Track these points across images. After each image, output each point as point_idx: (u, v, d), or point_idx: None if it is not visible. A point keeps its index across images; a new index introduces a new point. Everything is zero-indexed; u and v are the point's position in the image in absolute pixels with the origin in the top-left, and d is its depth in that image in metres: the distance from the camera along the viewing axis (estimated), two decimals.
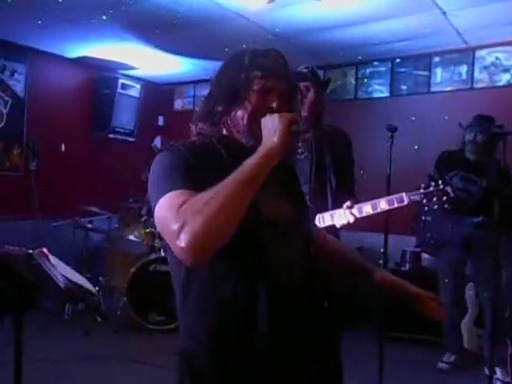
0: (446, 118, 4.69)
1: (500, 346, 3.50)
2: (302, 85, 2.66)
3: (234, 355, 1.21)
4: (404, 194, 2.35)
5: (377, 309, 2.87)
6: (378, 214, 2.45)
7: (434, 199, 2.30)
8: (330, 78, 2.99)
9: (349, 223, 2.45)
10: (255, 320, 1.20)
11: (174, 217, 1.09)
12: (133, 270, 4.56)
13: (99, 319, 4.31)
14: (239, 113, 1.29)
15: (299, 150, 2.68)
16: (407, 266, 4.65)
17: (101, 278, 4.91)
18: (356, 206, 2.44)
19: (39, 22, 4.43)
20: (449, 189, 2.29)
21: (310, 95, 2.70)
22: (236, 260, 1.21)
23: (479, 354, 3.89)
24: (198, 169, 1.22)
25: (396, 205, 2.37)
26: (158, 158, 1.28)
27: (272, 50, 1.35)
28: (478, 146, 3.72)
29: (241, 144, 1.29)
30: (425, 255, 4.54)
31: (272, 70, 1.29)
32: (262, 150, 1.16)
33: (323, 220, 2.55)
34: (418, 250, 4.47)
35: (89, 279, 4.80)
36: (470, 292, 4.08)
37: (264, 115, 1.23)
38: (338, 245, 1.63)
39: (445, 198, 2.29)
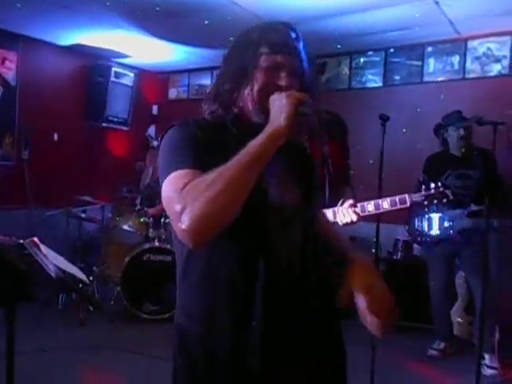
0: (438, 108, 4.70)
1: (489, 333, 3.57)
2: None
3: (227, 338, 1.20)
4: (407, 196, 2.42)
5: None
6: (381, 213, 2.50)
7: (435, 201, 2.41)
8: (326, 62, 2.96)
9: (352, 222, 2.46)
10: (251, 304, 1.19)
11: (177, 198, 1.09)
12: (127, 259, 4.55)
13: (92, 309, 4.31)
14: (248, 91, 1.25)
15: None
16: (399, 254, 4.71)
17: (95, 268, 4.90)
18: (359, 205, 2.47)
19: (31, 9, 4.36)
20: (448, 192, 2.39)
21: None
22: (237, 243, 1.20)
23: (469, 341, 3.99)
24: (206, 146, 1.19)
25: (399, 206, 2.44)
26: (168, 134, 1.27)
27: (281, 24, 1.30)
28: (465, 140, 3.80)
29: (252, 123, 1.26)
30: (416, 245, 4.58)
31: (280, 44, 1.24)
32: (267, 129, 1.14)
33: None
34: (410, 239, 4.50)
35: (83, 269, 4.88)
36: (460, 280, 4.13)
37: (272, 91, 1.21)
38: (333, 235, 1.54)
39: (445, 200, 2.40)
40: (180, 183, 1.11)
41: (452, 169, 3.80)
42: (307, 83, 1.29)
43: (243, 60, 1.25)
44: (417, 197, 2.41)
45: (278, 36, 1.26)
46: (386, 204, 2.44)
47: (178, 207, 1.08)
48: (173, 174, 1.15)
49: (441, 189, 2.40)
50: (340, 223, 2.51)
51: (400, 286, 4.29)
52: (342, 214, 2.48)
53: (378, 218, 2.73)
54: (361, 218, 2.47)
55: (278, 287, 1.21)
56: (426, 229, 3.92)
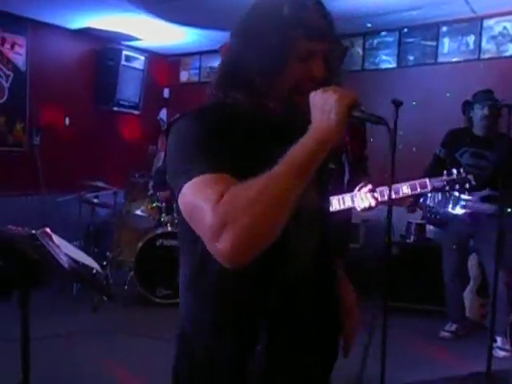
0: (449, 94, 4.64)
1: (502, 316, 3.57)
2: None
3: (232, 356, 1.12)
4: (427, 180, 2.36)
5: (380, 279, 2.91)
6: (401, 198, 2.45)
7: (457, 186, 2.34)
8: (348, 47, 2.89)
9: (370, 207, 2.42)
10: (258, 326, 1.10)
11: (212, 210, 0.92)
12: (140, 244, 4.57)
13: (105, 298, 4.34)
14: (278, 82, 1.07)
15: None
16: (412, 237, 4.68)
17: (108, 253, 4.91)
18: (378, 190, 2.43)
19: None
20: (471, 177, 2.33)
21: None
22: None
23: (481, 323, 4.03)
24: (230, 144, 1.03)
25: (419, 190, 2.38)
26: (182, 125, 1.08)
27: (313, 2, 1.09)
28: (489, 120, 3.73)
29: (279, 118, 1.11)
30: (429, 227, 4.56)
31: (316, 28, 1.06)
32: (314, 133, 0.98)
33: (343, 202, 2.54)
34: (423, 221, 4.50)
35: (96, 254, 4.90)
36: (472, 262, 4.13)
37: (308, 86, 1.05)
38: None
39: (467, 186, 2.34)
40: (213, 192, 0.94)
41: (470, 146, 3.78)
42: (338, 69, 1.14)
43: (272, 42, 1.04)
44: (438, 181, 2.35)
45: (312, 16, 1.06)
46: (405, 188, 2.39)
47: (214, 222, 0.92)
48: (199, 179, 0.97)
49: (463, 174, 2.34)
50: (358, 208, 2.49)
51: (413, 269, 4.43)
52: (361, 198, 2.45)
53: (391, 200, 2.70)
54: (379, 204, 2.43)
55: (290, 308, 1.13)
56: (437, 206, 3.92)
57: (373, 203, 2.41)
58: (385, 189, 2.41)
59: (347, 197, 2.53)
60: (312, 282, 1.17)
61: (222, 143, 1.02)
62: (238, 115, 1.09)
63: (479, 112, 3.75)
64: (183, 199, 1.01)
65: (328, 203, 1.33)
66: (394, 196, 2.40)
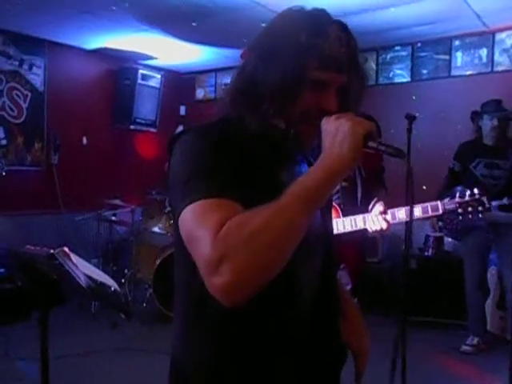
0: (466, 103, 4.63)
1: None
2: None
3: None
4: (439, 203, 2.33)
5: (401, 294, 2.87)
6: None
7: (470, 209, 2.28)
8: (367, 59, 2.87)
9: (382, 230, 2.39)
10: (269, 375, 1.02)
11: (212, 241, 0.84)
12: (158, 261, 4.56)
13: (123, 316, 4.34)
14: (287, 108, 1.02)
15: None
16: (430, 250, 4.67)
17: (126, 271, 4.93)
18: (390, 212, 2.41)
19: (55, 15, 4.39)
20: (485, 199, 2.26)
21: None
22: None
23: (502, 336, 4.01)
24: (235, 166, 0.96)
25: (430, 213, 2.35)
26: (187, 140, 1.01)
27: (334, 24, 1.01)
28: (498, 130, 3.79)
29: (284, 144, 1.05)
30: (448, 239, 4.56)
31: (332, 58, 0.99)
32: (326, 164, 0.92)
33: (355, 224, 2.51)
34: (441, 234, 4.52)
35: (114, 272, 4.91)
36: (492, 273, 4.15)
37: (315, 115, 1.00)
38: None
39: (480, 208, 2.27)
40: (212, 221, 0.86)
41: (482, 157, 3.83)
42: (354, 102, 1.06)
43: (286, 68, 0.98)
44: (450, 204, 2.30)
45: (333, 47, 0.99)
46: (417, 211, 2.36)
47: (212, 254, 0.84)
48: (198, 204, 0.90)
49: (477, 196, 2.27)
50: (370, 230, 2.46)
51: (432, 283, 4.42)
52: (372, 221, 2.43)
53: (410, 213, 2.66)
54: (391, 226, 2.40)
55: (295, 337, 1.05)
56: (456, 218, 3.89)
57: (384, 226, 2.38)
58: (397, 211, 2.39)
59: (359, 218, 2.51)
60: (316, 306, 1.08)
61: (225, 165, 0.96)
62: (243, 135, 1.03)
63: (489, 123, 3.81)
64: (182, 225, 0.93)
65: (331, 224, 1.24)
66: (405, 219, 2.36)
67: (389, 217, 2.38)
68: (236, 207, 0.89)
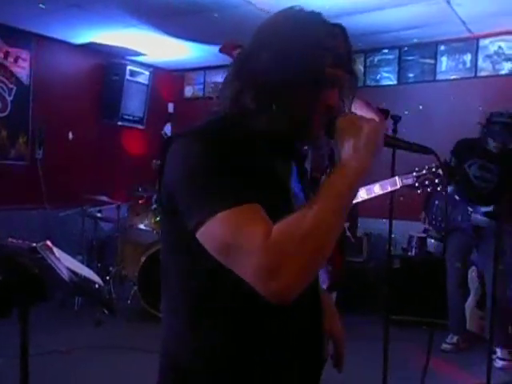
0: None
1: (501, 328, 3.74)
2: None
3: None
4: (397, 178, 2.33)
5: (383, 293, 2.91)
6: (374, 198, 2.41)
7: (427, 182, 2.27)
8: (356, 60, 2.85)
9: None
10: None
11: (262, 248, 0.87)
12: (143, 258, 4.53)
13: (106, 312, 4.32)
14: (298, 105, 1.02)
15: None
16: (413, 251, 4.77)
17: (111, 268, 4.89)
18: (364, 188, 2.39)
19: (42, 7, 4.33)
20: (440, 171, 2.24)
21: None
22: None
23: (481, 336, 4.10)
24: (242, 170, 0.95)
25: (389, 188, 2.34)
26: (188, 146, 0.99)
27: (339, 28, 1.07)
28: (501, 147, 3.81)
29: (289, 144, 1.09)
30: (431, 240, 4.66)
31: (342, 58, 1.04)
32: (355, 165, 0.96)
33: None
34: (424, 235, 4.66)
35: (99, 269, 4.87)
36: (472, 274, 4.22)
37: (324, 111, 1.03)
38: None
39: (437, 181, 2.26)
40: (255, 228, 0.89)
41: (478, 158, 3.88)
42: (346, 99, 1.11)
43: (307, 66, 0.99)
44: (408, 178, 2.29)
45: (340, 45, 1.04)
46: (377, 188, 2.35)
47: (267, 262, 0.87)
48: (227, 213, 0.90)
49: (433, 169, 2.25)
50: None
51: (414, 283, 4.50)
52: None
53: (391, 214, 2.68)
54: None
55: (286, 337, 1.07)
56: (441, 215, 4.02)
57: (359, 198, 2.35)
58: (365, 189, 2.37)
59: None
60: (307, 300, 1.10)
61: (235, 167, 0.95)
62: (244, 134, 1.02)
63: (493, 144, 3.82)
64: (211, 235, 0.92)
65: None
66: (367, 196, 2.36)
67: (363, 192, 2.36)
68: (262, 209, 0.92)
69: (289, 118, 1.03)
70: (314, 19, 1.05)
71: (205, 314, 1.04)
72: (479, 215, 3.83)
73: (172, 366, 1.11)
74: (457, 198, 3.94)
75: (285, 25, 1.06)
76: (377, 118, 1.05)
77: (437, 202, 4.06)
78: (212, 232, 0.92)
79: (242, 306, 1.00)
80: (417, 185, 2.28)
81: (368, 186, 2.36)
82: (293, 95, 1.02)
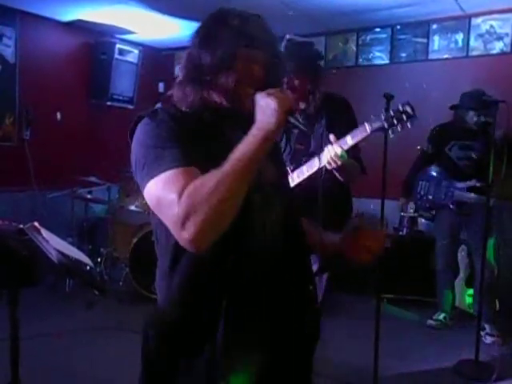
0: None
1: (489, 305, 3.87)
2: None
3: (203, 327, 1.23)
4: (366, 123, 2.29)
5: (375, 272, 2.94)
6: (352, 148, 2.38)
7: (395, 121, 2.23)
8: (312, 54, 2.76)
9: (337, 155, 2.30)
10: (227, 286, 1.22)
11: (177, 202, 1.09)
12: (134, 240, 4.51)
13: (97, 293, 4.31)
14: (225, 80, 1.26)
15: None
16: (405, 230, 4.84)
17: (102, 249, 4.87)
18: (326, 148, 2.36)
19: None
20: (408, 108, 2.23)
21: (283, 85, 2.61)
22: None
23: (469, 313, 4.18)
24: (186, 139, 1.20)
25: (360, 136, 2.31)
26: (143, 128, 1.24)
27: (257, 17, 1.33)
28: (482, 124, 3.86)
29: (226, 112, 1.29)
30: (422, 220, 4.73)
31: (259, 38, 1.28)
32: (259, 133, 1.16)
33: (302, 172, 2.49)
34: (416, 215, 4.71)
35: (90, 251, 4.83)
36: (462, 254, 4.28)
37: (250, 85, 1.25)
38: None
39: (404, 117, 2.23)
40: (177, 185, 1.11)
41: (456, 139, 3.94)
42: (279, 75, 1.36)
43: (222, 48, 1.26)
44: (376, 120, 2.26)
45: (256, 29, 1.29)
46: (349, 139, 2.32)
47: (180, 212, 1.08)
48: (164, 174, 1.13)
49: (400, 108, 2.22)
50: (327, 165, 2.37)
51: (406, 261, 4.62)
52: (326, 155, 2.34)
53: (383, 194, 2.67)
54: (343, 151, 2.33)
55: (257, 264, 1.23)
56: (425, 193, 4.11)
57: (338, 150, 2.31)
58: (344, 139, 2.34)
59: (304, 166, 2.49)
60: (280, 255, 1.28)
61: (175, 139, 1.18)
62: (188, 114, 1.28)
63: (475, 118, 3.86)
64: (149, 195, 1.16)
65: (287, 178, 1.49)
66: (343, 148, 2.31)
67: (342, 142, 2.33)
68: (193, 171, 1.13)
69: (222, 93, 1.27)
70: (232, 13, 1.31)
71: (175, 269, 1.25)
72: (464, 191, 3.90)
73: (157, 315, 1.35)
74: (443, 181, 4.00)
75: (209, 19, 1.35)
76: (287, 95, 1.20)
77: (421, 182, 4.14)
78: (149, 192, 1.16)
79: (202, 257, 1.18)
80: (386, 126, 2.24)
81: (341, 140, 2.33)
82: (218, 74, 1.26)
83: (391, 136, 2.30)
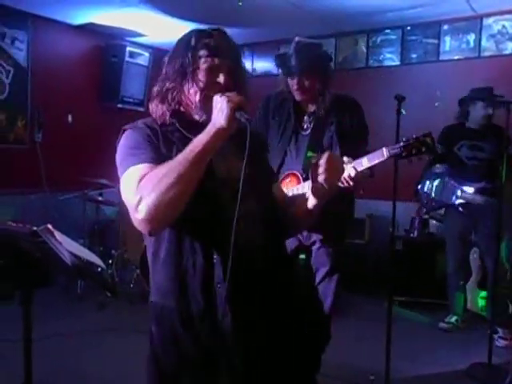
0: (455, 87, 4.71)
1: (502, 308, 3.84)
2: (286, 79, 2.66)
3: (197, 302, 1.36)
4: (384, 149, 2.28)
5: (385, 274, 2.93)
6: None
7: (413, 151, 2.21)
8: (322, 54, 2.76)
9: (350, 177, 2.30)
10: (213, 271, 1.35)
11: (134, 191, 1.26)
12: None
13: (109, 294, 4.32)
14: (191, 90, 1.42)
15: (304, 126, 2.62)
16: (415, 232, 4.78)
17: (113, 251, 4.88)
18: (354, 162, 2.33)
19: None
20: (428, 139, 2.21)
21: (294, 84, 2.64)
22: (194, 219, 1.34)
23: (482, 316, 4.13)
24: (156, 144, 1.38)
25: (377, 160, 2.30)
26: (122, 137, 1.44)
27: (217, 30, 1.45)
28: (490, 118, 3.86)
29: (195, 120, 1.42)
30: (433, 221, 4.75)
31: (217, 48, 1.40)
32: (210, 129, 1.28)
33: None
34: (427, 216, 4.72)
35: (101, 253, 4.84)
36: (474, 256, 4.22)
37: (215, 92, 1.35)
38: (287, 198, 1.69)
39: (423, 149, 2.20)
40: (136, 177, 1.27)
41: (466, 139, 3.93)
42: (241, 81, 1.46)
43: (183, 63, 1.41)
44: (395, 148, 2.25)
45: (213, 40, 1.41)
46: (365, 162, 2.31)
47: (134, 199, 1.24)
48: (128, 170, 1.32)
49: (420, 138, 2.20)
50: (340, 184, 2.38)
51: (416, 263, 4.60)
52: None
53: (394, 196, 2.65)
54: (359, 174, 2.30)
55: (240, 252, 1.30)
56: (434, 194, 4.08)
57: (352, 173, 2.31)
58: (360, 160, 2.33)
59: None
60: (259, 244, 1.40)
61: (148, 145, 1.38)
62: (162, 123, 1.45)
63: (483, 110, 3.86)
64: (121, 190, 1.35)
65: (266, 178, 1.57)
66: (354, 172, 2.30)
67: (354, 164, 2.30)
68: (152, 166, 1.30)
69: (190, 103, 1.43)
70: (192, 31, 1.47)
71: (155, 258, 1.44)
72: (472, 192, 3.87)
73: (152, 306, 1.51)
74: (450, 180, 3.98)
75: (177, 41, 1.52)
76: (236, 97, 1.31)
77: (427, 183, 4.12)
78: (120, 185, 1.35)
79: (176, 249, 1.38)
80: (404, 154, 2.23)
81: (356, 161, 2.33)
82: (181, 84, 1.43)
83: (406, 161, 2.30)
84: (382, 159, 2.28)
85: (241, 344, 1.36)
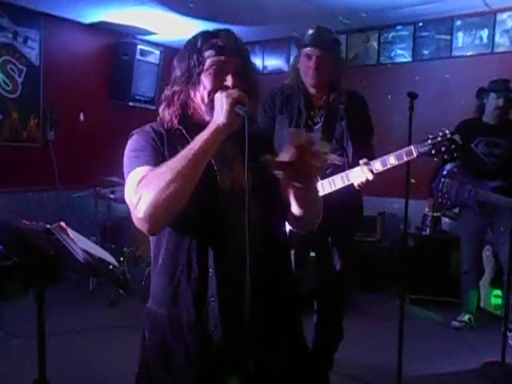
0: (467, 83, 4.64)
1: None
2: (304, 51, 2.61)
3: (189, 314, 1.34)
4: (413, 147, 2.27)
5: (398, 272, 2.90)
6: (390, 169, 2.37)
7: (443, 149, 2.21)
8: (338, 40, 2.77)
9: (368, 181, 2.32)
10: (207, 283, 1.32)
11: (134, 191, 1.26)
12: None
13: (121, 292, 4.34)
14: (198, 93, 1.39)
15: (315, 120, 2.62)
16: (427, 230, 4.74)
17: (125, 249, 4.90)
18: (371, 163, 2.36)
19: None
20: (456, 137, 2.20)
21: (311, 63, 2.60)
22: (191, 227, 1.33)
23: (494, 314, 4.13)
24: (161, 147, 1.37)
25: (405, 158, 2.29)
26: (129, 142, 1.44)
27: (223, 30, 1.42)
28: (503, 110, 3.82)
29: (201, 123, 1.36)
30: (445, 219, 4.69)
31: (223, 47, 1.37)
32: (210, 126, 1.28)
33: (334, 184, 2.47)
34: (439, 214, 4.67)
35: (113, 250, 4.86)
36: (487, 253, 4.20)
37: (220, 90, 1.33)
38: None
39: (453, 147, 2.20)
40: (137, 178, 1.27)
41: (483, 135, 3.86)
42: (250, 81, 1.42)
43: (189, 65, 1.38)
44: (424, 146, 2.23)
45: (220, 40, 1.38)
46: (392, 159, 2.30)
47: (134, 199, 1.24)
48: (132, 172, 1.31)
49: (448, 135, 2.19)
50: (356, 185, 2.41)
51: (429, 261, 4.55)
52: (357, 173, 2.38)
53: (407, 193, 2.63)
54: (376, 178, 2.34)
55: (233, 266, 1.30)
56: (450, 192, 4.01)
57: (370, 177, 2.32)
58: (373, 163, 2.34)
59: (337, 177, 2.47)
60: (258, 253, 1.33)
61: (153, 149, 1.37)
62: (169, 129, 1.42)
63: (494, 101, 3.82)
64: (125, 191, 1.34)
65: (267, 180, 1.37)
66: (382, 168, 2.31)
67: (371, 167, 2.32)
68: (154, 169, 1.28)
69: (198, 106, 1.40)
70: (198, 34, 1.43)
71: (154, 264, 1.44)
72: (488, 191, 3.81)
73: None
74: (466, 179, 3.93)
75: (184, 44, 1.48)
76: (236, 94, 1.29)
77: (443, 180, 4.06)
78: (125, 186, 1.34)
79: (171, 257, 1.37)
80: (433, 152, 2.22)
81: (382, 158, 2.32)
82: (185, 86, 1.40)
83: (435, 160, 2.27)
84: (411, 157, 2.27)
85: (233, 356, 1.33)
